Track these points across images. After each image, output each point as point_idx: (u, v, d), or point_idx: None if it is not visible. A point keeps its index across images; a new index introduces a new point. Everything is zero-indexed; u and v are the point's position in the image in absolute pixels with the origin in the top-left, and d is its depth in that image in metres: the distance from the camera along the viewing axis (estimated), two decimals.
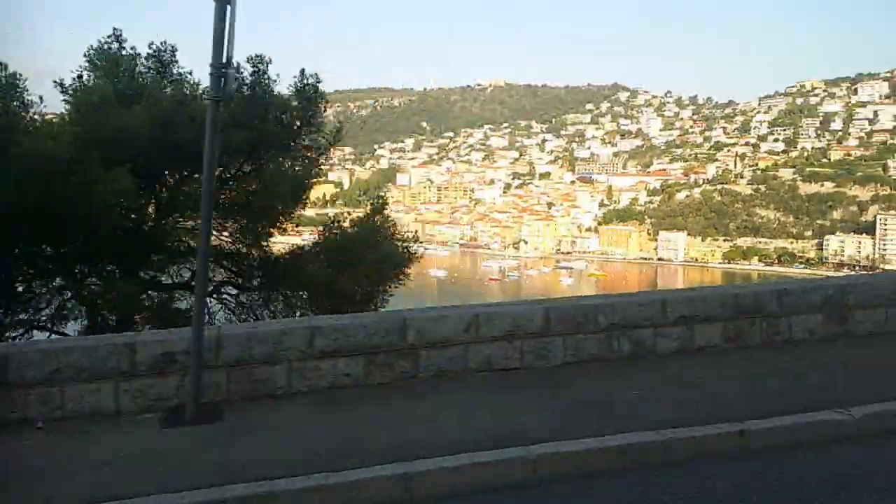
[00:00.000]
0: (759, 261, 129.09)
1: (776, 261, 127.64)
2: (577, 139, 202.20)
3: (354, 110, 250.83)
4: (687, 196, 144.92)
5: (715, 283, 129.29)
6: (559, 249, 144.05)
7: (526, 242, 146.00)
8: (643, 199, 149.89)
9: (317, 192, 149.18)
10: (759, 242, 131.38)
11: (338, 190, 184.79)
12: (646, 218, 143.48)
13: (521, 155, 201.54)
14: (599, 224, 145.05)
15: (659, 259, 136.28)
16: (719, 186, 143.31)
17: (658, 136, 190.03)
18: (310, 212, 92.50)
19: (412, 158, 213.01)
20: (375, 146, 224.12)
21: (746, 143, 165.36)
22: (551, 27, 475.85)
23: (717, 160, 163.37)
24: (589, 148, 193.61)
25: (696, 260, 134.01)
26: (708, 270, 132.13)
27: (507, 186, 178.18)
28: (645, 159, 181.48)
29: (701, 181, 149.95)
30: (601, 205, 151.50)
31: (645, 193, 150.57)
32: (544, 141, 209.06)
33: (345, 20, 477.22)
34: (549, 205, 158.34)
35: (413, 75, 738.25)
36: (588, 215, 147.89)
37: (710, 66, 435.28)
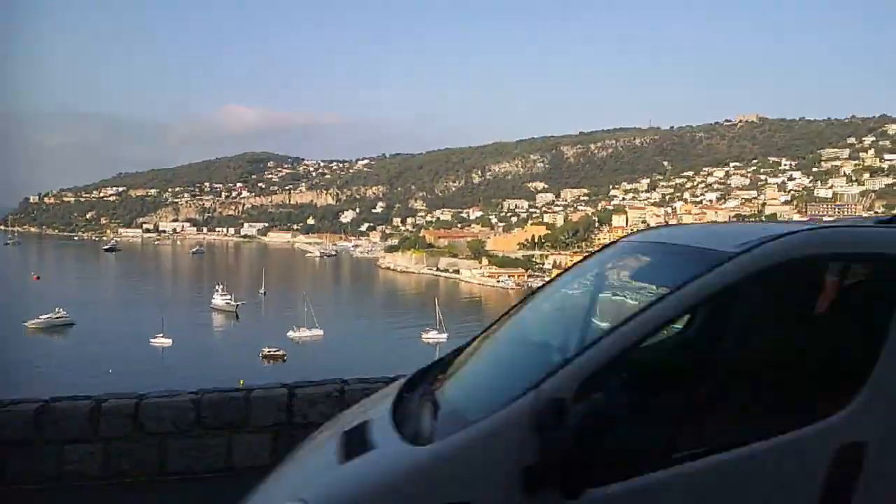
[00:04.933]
0: None
1: None
2: (822, 177, 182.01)
3: (595, 151, 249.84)
4: None
5: None
6: None
7: None
8: None
9: (527, 234, 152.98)
10: None
11: (549, 231, 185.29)
12: None
13: (758, 194, 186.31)
14: None
15: None
16: None
17: None
18: (519, 253, 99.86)
19: (645, 199, 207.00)
20: (611, 186, 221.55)
21: None
22: (811, 56, 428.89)
23: None
24: (831, 187, 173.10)
25: None
26: None
27: None
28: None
29: None
30: None
31: None
32: (790, 178, 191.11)
33: (589, 62, 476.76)
34: None
35: (662, 114, 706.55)
36: None
37: None
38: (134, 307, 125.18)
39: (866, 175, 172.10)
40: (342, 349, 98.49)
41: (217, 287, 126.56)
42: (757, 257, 3.26)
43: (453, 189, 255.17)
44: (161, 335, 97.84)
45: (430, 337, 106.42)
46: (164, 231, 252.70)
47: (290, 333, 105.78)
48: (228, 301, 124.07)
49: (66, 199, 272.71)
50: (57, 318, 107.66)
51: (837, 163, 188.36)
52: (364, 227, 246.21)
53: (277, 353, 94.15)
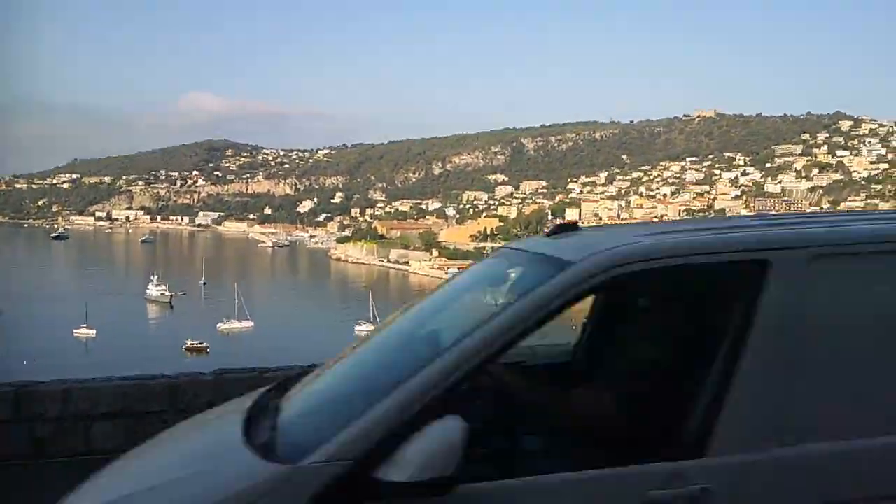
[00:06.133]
0: None
1: None
2: (773, 173, 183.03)
3: (556, 144, 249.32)
4: None
5: None
6: None
7: None
8: None
9: (480, 227, 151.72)
10: None
11: (502, 224, 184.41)
12: None
13: (711, 189, 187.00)
14: None
15: None
16: None
17: (861, 170, 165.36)
18: (471, 245, 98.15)
19: (602, 192, 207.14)
20: (569, 179, 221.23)
21: None
22: (770, 51, 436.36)
23: None
24: (780, 182, 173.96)
25: None
26: None
27: None
28: (842, 195, 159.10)
29: None
30: None
31: None
32: (744, 173, 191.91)
33: (551, 55, 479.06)
34: None
35: (622, 108, 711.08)
36: None
37: None
38: (69, 297, 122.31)
39: (815, 171, 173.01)
40: (270, 342, 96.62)
41: (152, 277, 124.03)
42: (582, 269, 2.92)
43: (413, 180, 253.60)
44: (85, 326, 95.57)
45: (363, 329, 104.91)
46: (117, 219, 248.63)
47: (220, 325, 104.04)
48: (163, 291, 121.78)
49: (17, 185, 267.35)
50: None
51: (790, 158, 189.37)
52: (322, 218, 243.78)
53: (200, 345, 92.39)
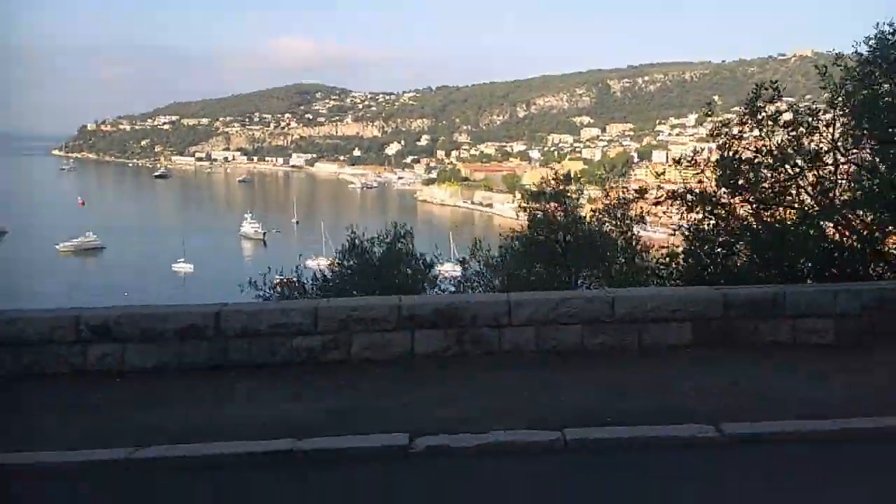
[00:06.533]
0: None
1: None
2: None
3: (643, 85, 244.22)
4: None
5: None
6: None
7: None
8: None
9: (564, 170, 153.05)
10: None
11: (586, 167, 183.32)
12: None
13: (804, 130, 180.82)
14: None
15: None
16: None
17: None
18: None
19: (692, 135, 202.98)
20: (657, 121, 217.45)
21: None
22: None
23: None
24: None
25: None
26: None
27: None
28: None
29: None
30: None
31: None
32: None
33: None
34: None
35: (714, 48, 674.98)
36: None
37: None
38: (169, 233, 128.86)
39: None
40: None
41: (246, 215, 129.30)
42: None
43: (498, 122, 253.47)
44: (182, 261, 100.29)
45: (444, 269, 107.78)
46: (216, 160, 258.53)
47: (309, 262, 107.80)
48: (257, 229, 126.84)
49: (121, 126, 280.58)
50: (87, 241, 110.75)
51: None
52: (409, 160, 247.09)
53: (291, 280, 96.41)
